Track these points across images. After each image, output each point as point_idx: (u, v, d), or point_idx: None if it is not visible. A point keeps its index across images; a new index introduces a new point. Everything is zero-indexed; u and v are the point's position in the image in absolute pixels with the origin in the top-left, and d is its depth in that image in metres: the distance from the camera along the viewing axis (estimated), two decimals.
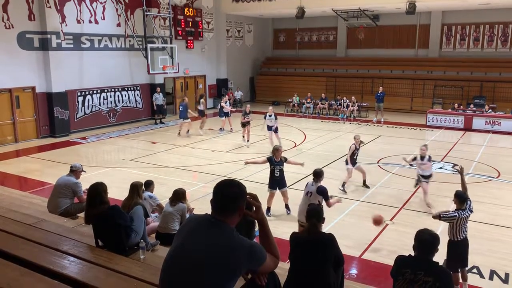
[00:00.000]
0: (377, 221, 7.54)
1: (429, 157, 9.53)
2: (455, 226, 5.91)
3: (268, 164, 9.06)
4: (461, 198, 6.06)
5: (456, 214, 5.91)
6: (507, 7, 21.86)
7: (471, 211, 6.03)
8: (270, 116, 15.02)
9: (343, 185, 10.54)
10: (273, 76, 28.70)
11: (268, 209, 8.99)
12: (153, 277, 3.65)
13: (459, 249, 5.96)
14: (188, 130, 17.48)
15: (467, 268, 6.18)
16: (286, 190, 9.09)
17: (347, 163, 10.63)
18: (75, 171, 7.56)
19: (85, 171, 7.85)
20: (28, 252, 4.23)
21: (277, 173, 8.86)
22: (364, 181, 10.86)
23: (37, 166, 12.90)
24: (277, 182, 8.95)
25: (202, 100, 18.42)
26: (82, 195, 7.32)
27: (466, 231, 6.00)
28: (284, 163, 8.97)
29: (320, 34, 28.58)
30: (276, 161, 8.84)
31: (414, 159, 9.75)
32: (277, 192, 9.02)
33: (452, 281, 3.88)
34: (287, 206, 9.03)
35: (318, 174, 7.45)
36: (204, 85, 25.17)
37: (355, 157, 10.58)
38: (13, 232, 4.80)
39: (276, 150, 8.99)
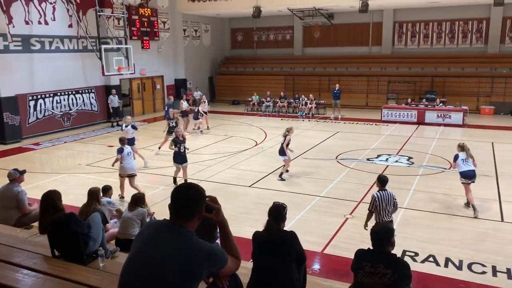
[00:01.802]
0: None
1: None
2: (380, 209, 6.48)
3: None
4: (380, 180, 6.72)
5: (373, 195, 6.57)
6: (453, 5, 22.88)
7: (393, 196, 6.58)
8: (126, 126, 12.77)
9: (281, 174, 11.37)
10: (232, 75, 28.67)
11: (174, 179, 10.88)
12: (113, 286, 3.53)
13: None
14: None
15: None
16: (186, 166, 10.96)
17: (282, 154, 11.35)
18: (14, 179, 7.01)
19: (24, 172, 7.24)
20: None
21: (182, 150, 10.71)
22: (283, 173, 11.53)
23: None
24: (181, 157, 10.76)
25: (182, 100, 18.21)
26: (26, 206, 6.90)
27: (391, 215, 6.59)
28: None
29: (277, 33, 28.81)
30: (180, 140, 10.70)
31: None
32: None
33: (410, 272, 4.02)
34: (186, 181, 9.95)
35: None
36: (162, 85, 24.79)
37: (288, 147, 11.41)
38: None
39: (176, 132, 11.05)
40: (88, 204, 6.22)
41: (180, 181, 10.61)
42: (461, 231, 8.06)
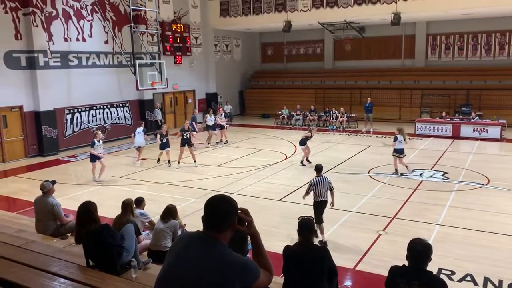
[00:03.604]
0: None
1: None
2: (316, 190, 8.05)
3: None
4: (316, 168, 8.44)
5: (311, 180, 8.20)
6: (489, 17, 22.32)
7: (328, 180, 8.19)
8: (99, 142, 13.03)
9: (302, 161, 14.29)
10: (262, 89, 28.84)
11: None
12: None
13: (321, 207, 8.13)
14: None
15: (323, 223, 8.11)
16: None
17: (301, 144, 14.35)
18: (48, 191, 7.17)
19: (54, 182, 7.41)
20: (16, 275, 4.15)
21: (186, 136, 14.49)
22: (307, 159, 14.38)
23: (25, 186, 12.72)
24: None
25: (208, 114, 18.49)
26: (63, 217, 7.09)
27: (326, 195, 8.16)
28: (189, 132, 14.69)
29: (308, 46, 28.86)
30: (185, 129, 14.48)
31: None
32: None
33: None
34: (194, 161, 14.57)
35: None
36: (193, 100, 25.20)
37: (307, 140, 14.27)
38: (1, 255, 4.70)
39: (186, 123, 14.78)
40: (122, 215, 6.33)
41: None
42: (500, 249, 7.73)
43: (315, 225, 7.53)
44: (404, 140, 12.68)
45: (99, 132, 13.68)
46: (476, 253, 7.56)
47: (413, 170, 13.32)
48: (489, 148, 17.18)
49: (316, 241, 4.79)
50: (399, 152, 12.63)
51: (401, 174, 12.95)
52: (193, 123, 17.70)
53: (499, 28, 23.01)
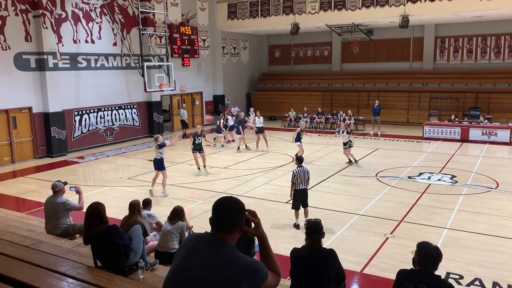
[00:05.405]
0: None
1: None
2: (298, 179, 8.83)
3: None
4: (297, 159, 9.33)
5: (293, 170, 9.05)
6: (498, 19, 22.17)
7: (307, 171, 9.00)
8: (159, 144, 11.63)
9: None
10: (270, 91, 28.86)
11: (198, 168, 13.78)
12: None
13: (301, 195, 8.91)
14: (246, 146, 17.69)
15: (308, 207, 9.03)
16: (203, 153, 13.86)
17: (296, 141, 15.09)
18: (59, 190, 7.19)
19: (66, 183, 7.41)
20: (25, 274, 4.18)
21: (198, 141, 13.62)
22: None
23: (34, 187, 12.82)
24: (198, 147, 13.60)
25: (256, 116, 18.47)
26: (76, 205, 7.11)
27: (307, 184, 9.04)
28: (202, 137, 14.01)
29: (315, 49, 28.84)
30: (198, 134, 13.69)
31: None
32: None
33: None
34: (204, 167, 13.85)
35: None
36: (201, 101, 25.27)
37: (300, 137, 15.13)
38: (10, 255, 4.75)
39: (198, 129, 14.07)
40: (130, 216, 6.36)
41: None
42: (509, 253, 7.64)
43: (296, 211, 8.94)
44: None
45: (160, 136, 12.01)
46: (485, 257, 7.49)
47: (420, 173, 13.26)
48: (498, 151, 17.03)
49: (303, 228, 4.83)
50: (346, 144, 14.81)
51: (409, 177, 12.89)
52: (240, 127, 17.42)
53: (509, 31, 22.83)
